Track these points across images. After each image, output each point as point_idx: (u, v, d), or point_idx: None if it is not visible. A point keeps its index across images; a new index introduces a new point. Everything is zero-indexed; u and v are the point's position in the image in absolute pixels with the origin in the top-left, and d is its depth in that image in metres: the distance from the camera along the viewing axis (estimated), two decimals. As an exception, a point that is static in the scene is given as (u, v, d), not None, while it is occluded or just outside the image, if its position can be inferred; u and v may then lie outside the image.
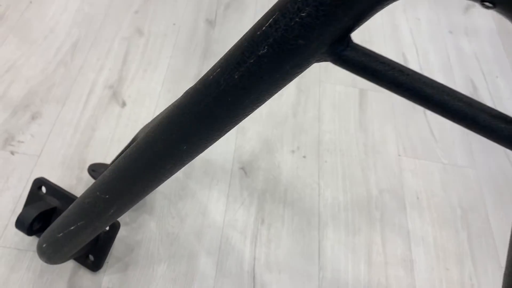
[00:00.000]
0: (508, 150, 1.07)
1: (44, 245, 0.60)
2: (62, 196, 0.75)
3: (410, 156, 1.03)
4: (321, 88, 1.12)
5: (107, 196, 0.47)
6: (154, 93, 1.03)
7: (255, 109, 0.39)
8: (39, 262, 0.76)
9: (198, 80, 0.43)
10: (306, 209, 0.90)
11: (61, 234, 0.55)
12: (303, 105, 1.07)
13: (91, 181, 0.85)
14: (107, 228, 0.75)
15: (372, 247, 0.87)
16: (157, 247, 0.81)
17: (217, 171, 0.93)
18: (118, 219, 0.76)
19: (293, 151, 0.98)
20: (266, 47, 0.31)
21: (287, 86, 1.09)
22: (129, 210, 0.81)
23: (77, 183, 0.86)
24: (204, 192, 0.89)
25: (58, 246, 0.58)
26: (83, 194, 0.52)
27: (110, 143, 0.93)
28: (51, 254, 0.60)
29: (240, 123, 0.96)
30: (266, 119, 1.03)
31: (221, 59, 0.38)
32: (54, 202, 0.75)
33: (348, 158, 1.00)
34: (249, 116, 0.99)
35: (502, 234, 0.93)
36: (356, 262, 0.85)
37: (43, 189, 0.77)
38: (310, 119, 1.05)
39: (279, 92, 1.07)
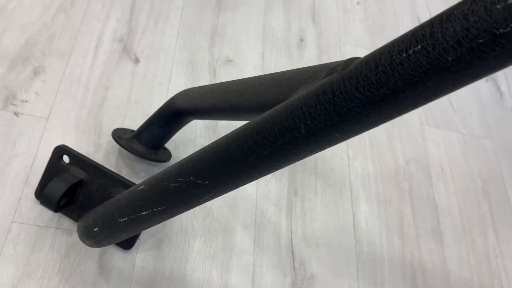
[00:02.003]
0: (522, 121, 1.08)
1: (96, 229, 0.52)
2: (89, 167, 0.67)
3: (432, 125, 1.01)
4: (342, 50, 1.06)
5: (206, 182, 0.40)
6: (169, 49, 0.92)
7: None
8: (63, 240, 0.68)
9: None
10: (338, 180, 0.87)
11: (124, 219, 0.48)
12: (325, 68, 1.01)
13: (112, 148, 0.77)
14: (143, 203, 0.67)
15: (403, 219, 0.86)
16: (190, 222, 0.75)
17: (244, 138, 0.86)
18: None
19: (320, 118, 0.93)
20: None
21: (308, 46, 1.02)
22: (157, 181, 0.74)
23: (96, 150, 0.76)
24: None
25: (117, 231, 0.51)
26: (162, 176, 0.45)
27: (127, 104, 0.83)
28: (104, 238, 0.53)
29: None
30: (289, 82, 0.96)
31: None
32: (80, 173, 0.67)
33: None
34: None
35: (519, 205, 0.95)
36: (390, 235, 0.84)
37: (65, 158, 0.68)
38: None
39: (301, 54, 1.01)
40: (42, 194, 0.63)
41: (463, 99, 1.08)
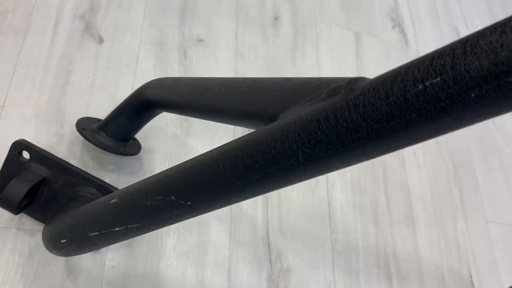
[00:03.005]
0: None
1: (63, 241, 0.48)
2: (52, 163, 0.61)
3: (406, 109, 1.00)
4: (317, 29, 1.02)
5: (189, 203, 0.37)
6: (135, 27, 0.85)
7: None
8: (25, 242, 0.63)
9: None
10: (314, 168, 0.85)
11: (96, 233, 0.44)
12: (301, 49, 0.97)
13: (76, 138, 0.71)
14: (113, 201, 0.63)
15: (377, 206, 0.86)
16: (163, 217, 0.71)
17: (218, 126, 0.82)
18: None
19: (295, 103, 0.90)
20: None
21: (284, 25, 0.98)
22: (125, 175, 0.70)
23: (58, 141, 0.71)
24: (207, 149, 0.79)
25: (88, 244, 0.47)
26: (137, 191, 0.41)
27: (91, 89, 0.77)
28: (73, 250, 0.49)
29: (237, 69, 0.86)
30: (264, 64, 0.92)
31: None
32: (42, 171, 0.61)
33: (349, 111, 0.94)
34: (247, 60, 0.88)
35: (487, 188, 0.97)
36: (364, 223, 0.83)
37: (25, 154, 0.62)
38: (310, 66, 0.96)
39: (276, 33, 0.96)
40: (1, 196, 0.58)
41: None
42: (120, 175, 0.72)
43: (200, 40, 0.90)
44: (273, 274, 0.73)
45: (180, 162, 0.75)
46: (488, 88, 0.24)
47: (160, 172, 0.41)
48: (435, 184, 0.93)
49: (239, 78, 0.46)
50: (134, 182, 0.71)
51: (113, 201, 0.43)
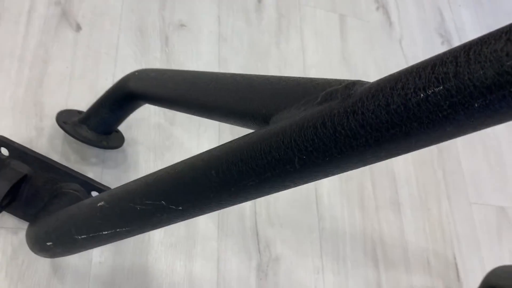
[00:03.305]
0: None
1: (49, 243, 0.46)
2: (33, 160, 0.59)
3: (391, 93, 1.00)
4: (301, 12, 1.00)
5: (180, 208, 0.36)
6: (114, 12, 0.82)
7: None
8: (8, 240, 0.61)
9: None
10: (300, 156, 0.85)
11: (83, 237, 0.43)
12: (285, 33, 0.95)
13: (57, 131, 0.69)
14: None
15: (364, 192, 0.86)
16: (149, 210, 0.70)
17: (203, 114, 0.81)
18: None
19: (281, 89, 0.89)
20: None
21: (267, 8, 0.96)
22: (108, 168, 0.68)
23: (38, 135, 0.68)
24: (192, 141, 0.78)
25: (75, 247, 0.46)
26: (125, 194, 0.40)
27: (70, 80, 0.74)
28: (59, 252, 0.48)
29: (221, 54, 0.84)
30: (248, 49, 0.90)
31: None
32: (23, 168, 0.59)
33: (335, 96, 0.93)
34: (230, 45, 0.86)
35: (470, 170, 0.98)
36: (351, 209, 0.84)
37: (4, 151, 0.60)
38: (294, 50, 0.94)
39: (259, 17, 0.94)
40: (-20, 196, 0.55)
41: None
42: (104, 168, 0.70)
43: (182, 25, 0.87)
44: (262, 263, 0.73)
45: (165, 154, 0.74)
46: (493, 98, 0.23)
47: (148, 175, 0.39)
48: (419, 168, 0.94)
49: (227, 74, 0.44)
50: (117, 176, 0.69)
51: (100, 204, 0.41)
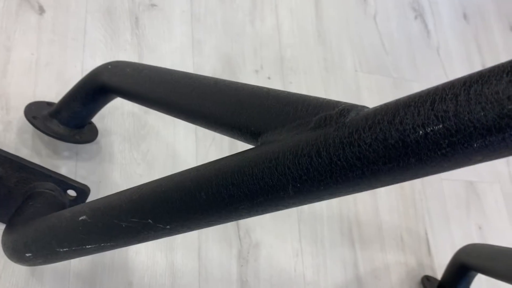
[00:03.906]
0: (444, 63, 1.11)
1: (29, 255, 0.45)
2: (3, 160, 0.57)
3: (365, 71, 1.00)
4: (276, -12, 0.97)
5: (168, 227, 0.35)
6: (79, -7, 0.77)
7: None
8: (-19, 242, 0.59)
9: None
10: (278, 139, 0.84)
11: (65, 249, 0.42)
12: (260, 10, 0.93)
13: (26, 124, 0.65)
14: (75, 194, 0.60)
15: (340, 173, 0.87)
16: (127, 203, 0.69)
17: (178, 100, 0.78)
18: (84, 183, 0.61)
19: (257, 71, 0.87)
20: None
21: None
22: (83, 161, 0.66)
23: (5, 129, 0.65)
24: (168, 129, 0.76)
25: (57, 258, 0.44)
26: (109, 210, 0.38)
27: (36, 68, 0.70)
28: (40, 263, 0.46)
29: (194, 36, 0.81)
30: (222, 29, 0.87)
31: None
32: (-7, 169, 0.56)
33: (311, 76, 0.92)
34: (204, 25, 0.83)
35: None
36: (328, 191, 0.85)
37: (-30, 151, 0.56)
38: (270, 29, 0.92)
39: (235, -5, 0.91)
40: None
41: (394, 40, 1.07)
42: (78, 162, 0.68)
43: (152, 5, 0.83)
44: (243, 250, 0.74)
45: (141, 144, 0.71)
46: (492, 139, 0.23)
47: (131, 190, 0.38)
48: (393, 147, 0.95)
49: (210, 79, 0.42)
50: (92, 169, 0.67)
51: (82, 218, 0.40)
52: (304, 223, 0.80)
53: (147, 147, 0.73)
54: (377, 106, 0.28)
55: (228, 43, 0.87)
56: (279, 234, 0.78)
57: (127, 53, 0.77)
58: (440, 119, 0.24)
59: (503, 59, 1.22)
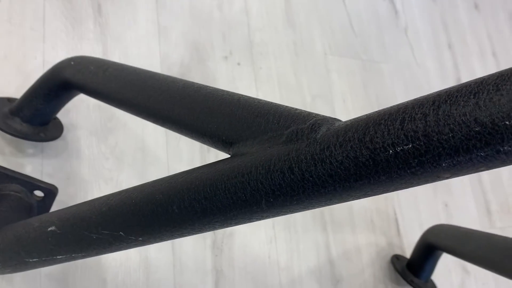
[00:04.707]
0: (412, 43, 1.12)
1: (-4, 266, 0.44)
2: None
3: (335, 54, 1.00)
4: (243, -30, 0.94)
5: (140, 239, 0.35)
6: (36, -21, 0.73)
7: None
8: None
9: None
10: (249, 127, 0.84)
11: (35, 260, 0.41)
12: (227, -5, 0.90)
13: (-15, 123, 0.62)
14: (43, 194, 0.58)
15: (312, 158, 0.88)
16: (98, 194, 0.67)
17: (146, 91, 0.76)
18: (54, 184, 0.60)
19: (226, 57, 0.86)
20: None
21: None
22: (49, 158, 0.65)
23: (-36, 128, 0.62)
24: (137, 121, 0.74)
25: (27, 267, 0.43)
26: (79, 222, 0.37)
27: (-7, 62, 0.66)
28: (8, 272, 0.45)
29: (160, 23, 0.79)
30: (189, 14, 0.85)
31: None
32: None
33: (281, 61, 0.92)
34: (170, 11, 0.81)
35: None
36: (300, 177, 0.86)
37: None
38: (238, 13, 0.90)
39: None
40: None
41: (363, 21, 1.07)
42: (44, 159, 0.65)
43: (115, -10, 0.79)
44: (217, 240, 0.74)
45: (108, 137, 0.69)
46: (460, 159, 0.24)
47: (101, 201, 0.37)
48: (363, 130, 0.97)
49: (178, 81, 0.41)
50: (59, 166, 0.65)
51: (51, 228, 0.39)
52: (277, 210, 0.81)
53: (115, 141, 0.71)
54: (348, 122, 0.28)
55: (195, 29, 0.85)
56: (253, 223, 0.78)
57: (90, 42, 0.74)
58: (410, 139, 0.24)
59: (468, 38, 1.24)
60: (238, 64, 0.86)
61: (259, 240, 0.78)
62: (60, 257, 0.40)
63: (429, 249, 0.80)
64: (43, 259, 0.41)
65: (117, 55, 0.76)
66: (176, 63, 0.80)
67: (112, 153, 0.71)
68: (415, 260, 0.84)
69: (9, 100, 0.63)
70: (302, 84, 0.93)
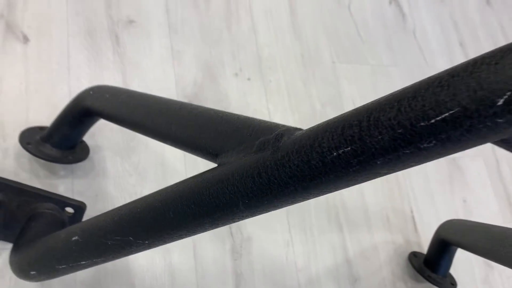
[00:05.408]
0: (421, 45, 1.14)
1: (33, 272, 0.51)
2: (3, 187, 0.62)
3: (343, 61, 1.04)
4: (249, -10, 1.00)
5: (146, 242, 0.40)
6: (60, 18, 0.82)
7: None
8: (-7, 262, 0.65)
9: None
10: (261, 137, 0.89)
11: (63, 266, 0.47)
12: (235, 15, 0.97)
13: (22, 149, 0.71)
14: (73, 210, 0.66)
15: (324, 163, 0.92)
16: (123, 212, 0.74)
17: (163, 111, 0.83)
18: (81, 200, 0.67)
19: (236, 74, 0.91)
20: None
21: None
22: (79, 178, 0.72)
23: (4, 156, 0.70)
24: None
25: (58, 274, 0.50)
26: (96, 230, 0.44)
27: (26, 95, 0.75)
28: (43, 279, 0.52)
29: (174, 47, 0.85)
30: (200, 37, 0.91)
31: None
32: (-5, 196, 0.62)
33: (289, 73, 0.97)
34: (182, 36, 0.87)
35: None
36: (313, 182, 0.90)
37: (-27, 181, 0.62)
38: (246, 31, 0.96)
39: (207, 2, 0.94)
40: (-41, 229, 0.59)
41: (369, 28, 1.10)
42: (74, 179, 0.73)
43: (131, 21, 0.87)
44: (235, 244, 0.79)
45: (131, 156, 0.76)
46: (390, 157, 0.28)
47: (114, 212, 0.43)
48: (375, 132, 1.00)
49: (175, 103, 0.47)
50: (88, 185, 0.73)
51: (74, 238, 0.45)
52: (292, 214, 0.85)
53: (137, 158, 0.78)
54: (304, 131, 0.33)
55: (206, 51, 0.91)
56: (269, 227, 0.83)
57: (110, 71, 0.82)
58: (349, 142, 0.29)
59: (481, 34, 1.25)
60: (248, 79, 0.92)
61: (276, 243, 0.82)
62: (84, 262, 0.46)
63: (442, 244, 0.82)
64: (70, 265, 0.47)
65: (135, 81, 0.83)
66: (190, 83, 0.87)
67: (135, 170, 0.78)
68: (431, 256, 0.86)
69: (41, 128, 0.71)
70: (311, 93, 0.97)
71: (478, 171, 1.07)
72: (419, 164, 0.29)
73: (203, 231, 0.39)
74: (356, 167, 0.29)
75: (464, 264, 0.94)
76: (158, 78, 0.85)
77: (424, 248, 0.93)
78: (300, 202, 0.34)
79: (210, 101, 0.87)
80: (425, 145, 0.27)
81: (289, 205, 0.35)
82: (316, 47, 1.02)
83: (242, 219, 0.37)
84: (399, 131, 0.27)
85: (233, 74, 0.91)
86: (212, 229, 0.39)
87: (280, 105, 0.93)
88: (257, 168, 0.33)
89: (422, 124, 0.26)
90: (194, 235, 0.40)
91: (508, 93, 0.24)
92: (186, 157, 0.81)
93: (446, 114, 0.25)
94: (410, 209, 0.96)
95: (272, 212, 0.82)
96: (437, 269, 0.85)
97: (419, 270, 0.86)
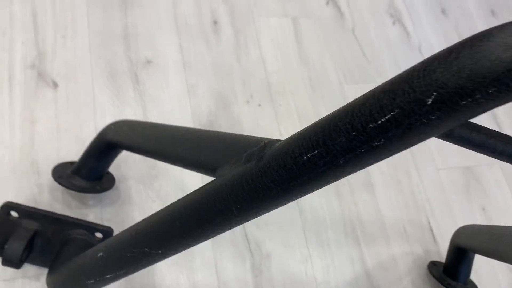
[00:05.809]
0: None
1: (66, 291, 0.57)
2: (39, 216, 0.69)
3: (350, 82, 1.08)
4: (256, 24, 1.08)
5: (160, 252, 0.46)
6: (84, 64, 0.91)
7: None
8: (33, 286, 0.72)
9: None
10: (275, 159, 0.94)
11: (92, 281, 0.53)
12: (243, 47, 1.04)
13: (55, 184, 0.78)
14: (101, 235, 0.72)
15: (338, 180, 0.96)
16: (148, 236, 0.80)
17: (181, 140, 0.90)
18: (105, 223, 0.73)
19: (248, 101, 0.98)
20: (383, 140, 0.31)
21: (223, 27, 1.02)
22: (106, 206, 0.78)
23: (39, 191, 0.78)
24: (174, 166, 0.87)
25: (87, 290, 0.56)
26: (118, 245, 0.50)
27: (57, 134, 0.83)
28: (76, 296, 0.58)
29: (188, 82, 0.92)
30: (212, 71, 0.99)
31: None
32: (32, 225, 0.69)
33: (298, 96, 1.02)
34: (195, 71, 0.94)
35: (434, 139, 1.07)
36: (328, 197, 0.93)
37: (14, 213, 0.69)
38: (255, 61, 1.03)
39: (218, 37, 1.02)
40: (3, 256, 0.65)
41: (375, 48, 1.15)
42: (102, 208, 0.80)
43: (148, 62, 0.95)
44: (255, 262, 0.83)
45: (154, 183, 0.82)
46: (349, 156, 0.32)
47: (132, 228, 0.49)
48: (386, 147, 1.03)
49: (182, 129, 0.53)
50: (115, 212, 0.79)
51: (99, 254, 0.51)
52: (309, 230, 0.89)
53: (159, 185, 0.85)
54: (282, 141, 0.38)
55: (219, 82, 0.98)
56: (287, 243, 0.87)
57: (132, 108, 0.90)
58: (315, 147, 0.34)
59: (487, 44, 1.27)
60: (259, 105, 0.98)
61: (295, 259, 0.86)
62: (108, 276, 0.51)
63: (459, 251, 0.84)
64: (97, 279, 0.53)
65: (155, 114, 0.91)
66: (204, 113, 0.94)
67: (158, 195, 0.84)
68: (450, 264, 0.87)
69: (71, 163, 0.79)
70: (320, 113, 1.02)
71: (495, 179, 1.08)
72: (377, 161, 0.33)
73: (206, 238, 0.44)
74: (323, 168, 0.34)
75: (487, 270, 0.95)
76: (175, 110, 0.92)
77: (444, 257, 0.94)
78: (285, 204, 0.39)
79: (224, 128, 0.93)
80: (376, 143, 0.31)
81: (277, 207, 0.39)
82: (323, 70, 1.07)
83: (238, 224, 0.42)
84: (353, 133, 0.32)
85: (244, 102, 0.97)
86: (214, 235, 0.43)
87: (290, 127, 0.98)
88: (245, 177, 0.38)
89: (371, 125, 0.31)
90: (199, 243, 0.45)
91: (435, 94, 0.28)
92: (203, 180, 0.87)
93: (389, 116, 0.30)
94: (427, 220, 0.98)
95: (290, 228, 0.86)
96: (456, 277, 0.86)
97: (439, 279, 0.87)
